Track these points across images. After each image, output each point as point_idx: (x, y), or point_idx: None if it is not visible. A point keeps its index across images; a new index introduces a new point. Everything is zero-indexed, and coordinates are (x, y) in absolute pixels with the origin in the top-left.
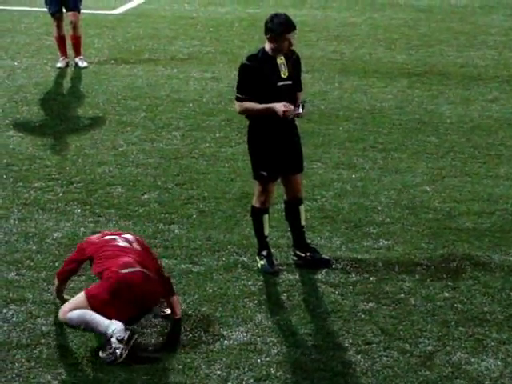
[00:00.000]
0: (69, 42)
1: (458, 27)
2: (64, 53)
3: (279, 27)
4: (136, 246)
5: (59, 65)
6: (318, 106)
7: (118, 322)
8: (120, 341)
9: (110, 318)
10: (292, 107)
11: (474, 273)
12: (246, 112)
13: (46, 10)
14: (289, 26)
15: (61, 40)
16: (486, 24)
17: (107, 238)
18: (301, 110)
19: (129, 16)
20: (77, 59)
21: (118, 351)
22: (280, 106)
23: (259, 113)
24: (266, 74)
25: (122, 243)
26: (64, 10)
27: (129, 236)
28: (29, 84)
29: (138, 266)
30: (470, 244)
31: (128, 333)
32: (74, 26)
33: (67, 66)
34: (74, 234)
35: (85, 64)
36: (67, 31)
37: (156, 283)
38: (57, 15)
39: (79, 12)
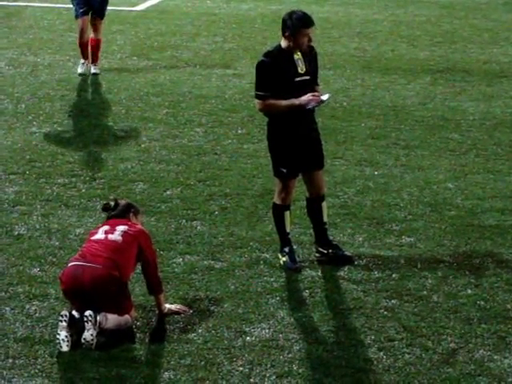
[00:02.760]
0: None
1: (480, 24)
2: (86, 57)
3: (297, 23)
4: (114, 237)
5: (80, 71)
6: (340, 102)
7: (63, 311)
8: (61, 328)
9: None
10: (317, 96)
11: (497, 270)
12: (269, 109)
13: (68, 6)
14: (307, 22)
15: (84, 46)
16: (509, 21)
17: (98, 229)
18: (325, 97)
19: (151, 12)
20: (91, 65)
21: (59, 337)
22: (307, 98)
23: (284, 109)
24: (284, 70)
25: (97, 235)
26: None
27: (119, 227)
28: (51, 80)
29: (79, 259)
30: (492, 241)
31: (64, 318)
32: (96, 30)
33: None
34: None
35: (97, 71)
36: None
37: (95, 276)
38: (83, 18)
39: (103, 18)
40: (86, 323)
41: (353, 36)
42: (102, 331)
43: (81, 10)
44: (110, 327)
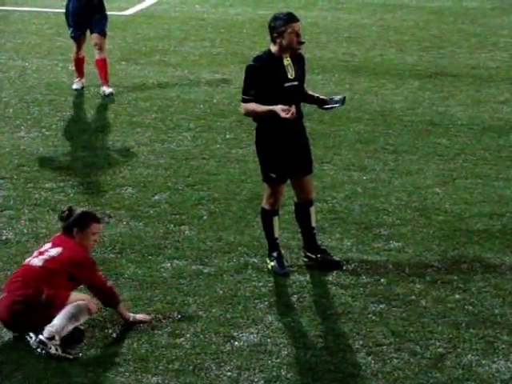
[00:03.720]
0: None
1: (469, 29)
2: (81, 74)
3: (282, 21)
4: (35, 262)
5: (75, 86)
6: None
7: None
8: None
9: None
10: (293, 109)
11: (485, 275)
12: (249, 113)
13: (56, 10)
14: (291, 18)
15: (79, 61)
16: (497, 26)
17: (41, 246)
18: (337, 105)
19: (139, 17)
20: (104, 87)
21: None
22: (280, 109)
23: (262, 114)
24: (273, 75)
25: (30, 257)
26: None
27: (49, 252)
28: (40, 85)
29: (4, 290)
30: (480, 246)
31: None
32: (100, 48)
33: (83, 88)
34: None
35: (110, 90)
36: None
37: (8, 306)
38: (80, 39)
39: (105, 35)
40: (42, 350)
41: (341, 41)
42: (65, 337)
43: (79, 32)
44: (65, 327)
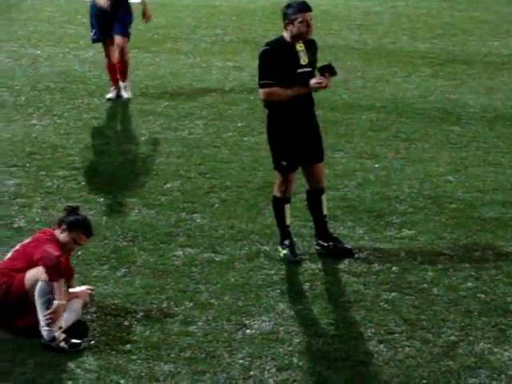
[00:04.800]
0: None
1: (481, 16)
2: (115, 83)
3: (294, 10)
4: (8, 255)
5: (109, 95)
6: (340, 95)
7: None
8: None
9: None
10: (323, 79)
11: (497, 263)
12: (274, 97)
13: None
14: (303, 7)
15: (111, 68)
16: (510, 13)
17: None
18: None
19: (151, 5)
20: (121, 85)
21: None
22: (312, 82)
23: (289, 97)
24: (286, 61)
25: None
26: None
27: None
28: (51, 73)
29: None
30: (493, 234)
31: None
32: (121, 51)
33: (118, 97)
34: (96, 223)
35: (129, 95)
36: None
37: None
38: (105, 43)
39: (128, 37)
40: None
41: (353, 28)
42: (69, 330)
43: (102, 36)
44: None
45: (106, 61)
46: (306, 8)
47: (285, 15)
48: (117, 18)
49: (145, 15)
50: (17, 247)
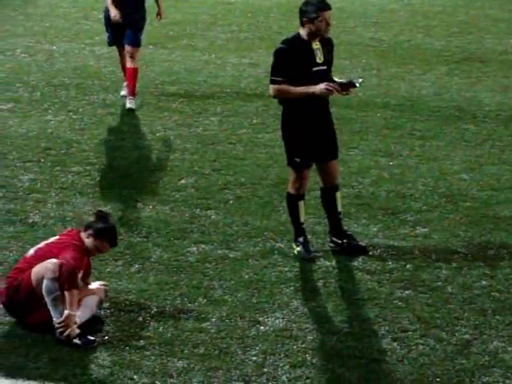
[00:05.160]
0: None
1: (497, 14)
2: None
3: (315, 7)
4: (30, 252)
5: (123, 92)
6: (355, 92)
7: None
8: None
9: None
10: (335, 86)
11: None
12: (281, 94)
13: None
14: (324, 5)
15: (124, 68)
16: None
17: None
18: (357, 83)
19: (167, 1)
20: (127, 99)
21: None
22: (321, 88)
23: (297, 96)
24: (302, 59)
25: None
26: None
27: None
28: (67, 68)
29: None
30: (507, 232)
31: None
32: (131, 57)
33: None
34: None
35: (132, 105)
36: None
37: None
38: (118, 47)
39: (139, 45)
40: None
41: (369, 26)
42: (84, 326)
43: (114, 41)
44: (83, 314)
45: (120, 60)
46: (326, 6)
47: (303, 13)
48: (130, 24)
49: (160, 14)
50: (41, 245)
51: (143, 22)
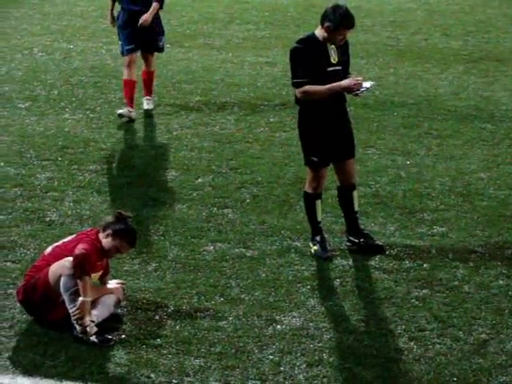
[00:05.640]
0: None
1: None
2: (130, 102)
3: (341, 21)
4: (48, 250)
5: (120, 111)
6: (372, 91)
7: None
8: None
9: None
10: (359, 80)
11: None
12: (309, 95)
13: None
14: (350, 23)
15: (129, 84)
16: None
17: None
18: (368, 85)
19: (184, 0)
20: (144, 99)
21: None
22: (348, 82)
23: (325, 94)
24: (316, 59)
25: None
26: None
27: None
28: (84, 67)
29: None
30: None
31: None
32: (148, 62)
33: (130, 118)
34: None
35: (151, 106)
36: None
37: (27, 290)
38: (130, 55)
39: (161, 51)
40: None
41: (386, 25)
42: (102, 324)
43: (127, 48)
44: (101, 312)
45: (126, 74)
46: (350, 25)
47: (328, 18)
48: (147, 34)
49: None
50: (59, 243)
51: (159, 24)
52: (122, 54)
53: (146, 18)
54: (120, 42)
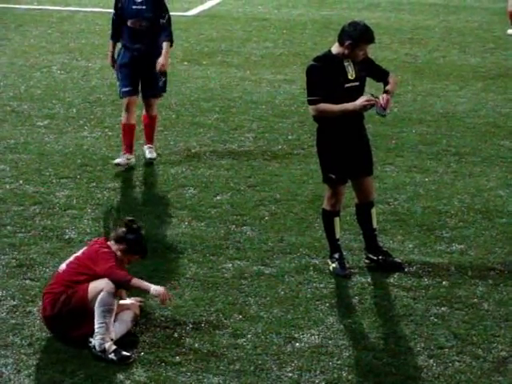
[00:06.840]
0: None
1: None
2: (128, 148)
3: (361, 36)
4: (63, 267)
5: (117, 161)
6: (391, 108)
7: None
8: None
9: None
10: (372, 99)
11: None
12: (322, 113)
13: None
14: (370, 38)
15: (128, 129)
16: None
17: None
18: (384, 112)
19: (202, 18)
20: (145, 147)
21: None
22: (360, 102)
23: (338, 114)
24: (333, 76)
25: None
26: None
27: (78, 253)
28: (103, 85)
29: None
30: None
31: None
32: (149, 106)
33: (127, 166)
34: (146, 235)
35: (154, 155)
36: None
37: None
38: (129, 98)
39: (161, 96)
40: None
41: (404, 42)
42: (119, 341)
43: (123, 90)
44: (119, 329)
45: (124, 118)
46: (371, 40)
47: (347, 35)
48: (149, 75)
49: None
50: (71, 258)
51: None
52: (120, 96)
53: (163, 62)
54: (117, 83)
